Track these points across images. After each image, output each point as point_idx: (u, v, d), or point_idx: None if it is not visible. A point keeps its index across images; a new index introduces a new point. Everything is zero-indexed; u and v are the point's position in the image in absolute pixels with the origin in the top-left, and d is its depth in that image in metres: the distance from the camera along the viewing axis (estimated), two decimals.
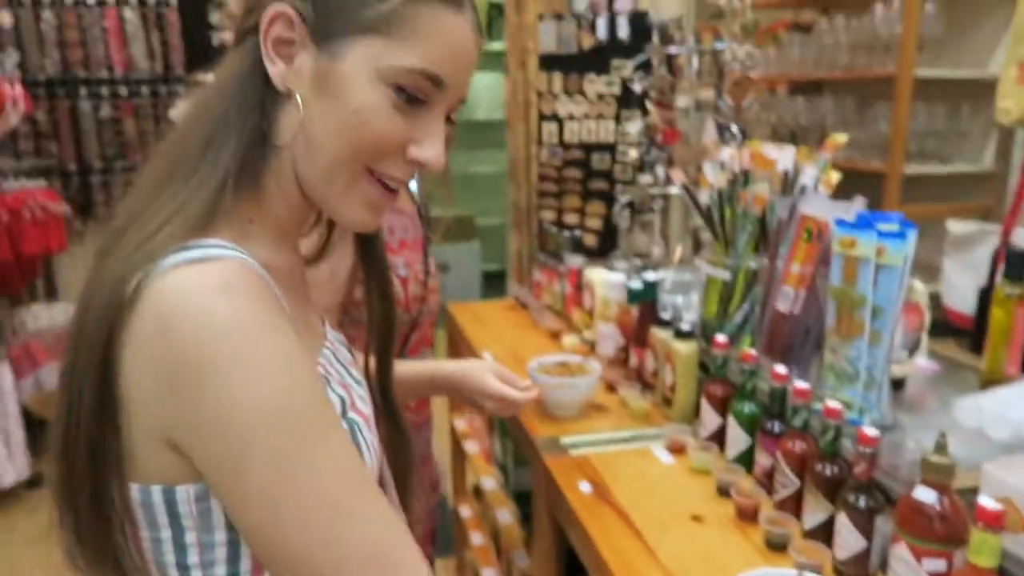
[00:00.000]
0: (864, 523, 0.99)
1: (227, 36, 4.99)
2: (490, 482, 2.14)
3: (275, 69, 0.66)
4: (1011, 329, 1.41)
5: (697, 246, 2.35)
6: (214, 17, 5.07)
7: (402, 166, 0.69)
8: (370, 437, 0.75)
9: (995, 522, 0.80)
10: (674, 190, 2.12)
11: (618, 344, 1.81)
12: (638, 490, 1.29)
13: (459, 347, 2.25)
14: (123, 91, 5.18)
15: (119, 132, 5.23)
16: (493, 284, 5.39)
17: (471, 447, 2.35)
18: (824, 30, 3.14)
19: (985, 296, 2.42)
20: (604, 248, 2.82)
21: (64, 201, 3.79)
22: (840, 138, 1.53)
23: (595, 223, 2.89)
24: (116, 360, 0.60)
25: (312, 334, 0.78)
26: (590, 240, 2.77)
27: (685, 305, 2.07)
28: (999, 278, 2.42)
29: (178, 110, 5.09)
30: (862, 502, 1.00)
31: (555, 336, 2.05)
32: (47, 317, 3.63)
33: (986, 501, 0.81)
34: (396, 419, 0.89)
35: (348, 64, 0.64)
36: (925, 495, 0.89)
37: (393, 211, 1.36)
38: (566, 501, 1.27)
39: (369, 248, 0.86)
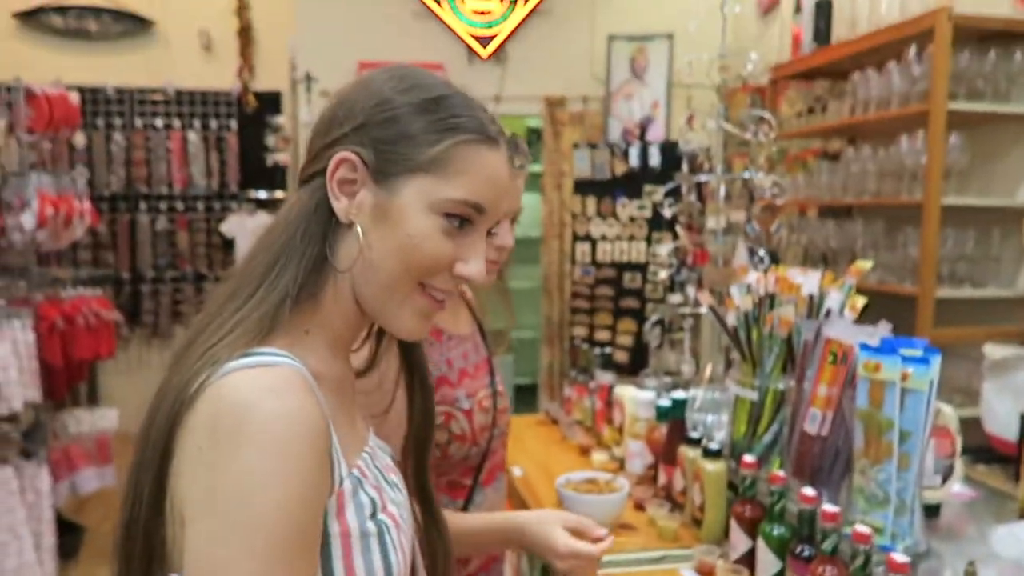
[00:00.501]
0: None
1: (280, 157, 5.30)
2: None
3: (340, 204, 0.77)
4: None
5: (728, 364, 2.37)
6: (270, 140, 5.39)
7: (449, 281, 0.79)
8: (398, 538, 0.78)
9: None
10: (703, 310, 2.17)
11: (647, 462, 1.81)
12: None
13: None
14: (179, 206, 5.47)
15: (172, 244, 5.49)
16: (525, 397, 5.40)
17: None
18: (851, 159, 3.24)
19: None
20: (635, 365, 2.84)
21: (115, 308, 3.95)
22: (865, 264, 1.57)
23: (626, 340, 2.93)
24: (172, 455, 0.67)
25: (355, 437, 0.83)
26: (621, 356, 2.80)
27: (716, 424, 2.07)
28: None
29: (229, 224, 5.36)
30: None
31: (584, 452, 2.06)
32: (88, 422, 3.71)
33: None
34: (435, 518, 0.95)
35: (403, 199, 0.75)
36: None
37: (452, 339, 1.37)
38: None
39: (411, 352, 0.94)
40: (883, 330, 1.35)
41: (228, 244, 5.47)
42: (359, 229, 0.76)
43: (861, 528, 1.07)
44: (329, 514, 0.72)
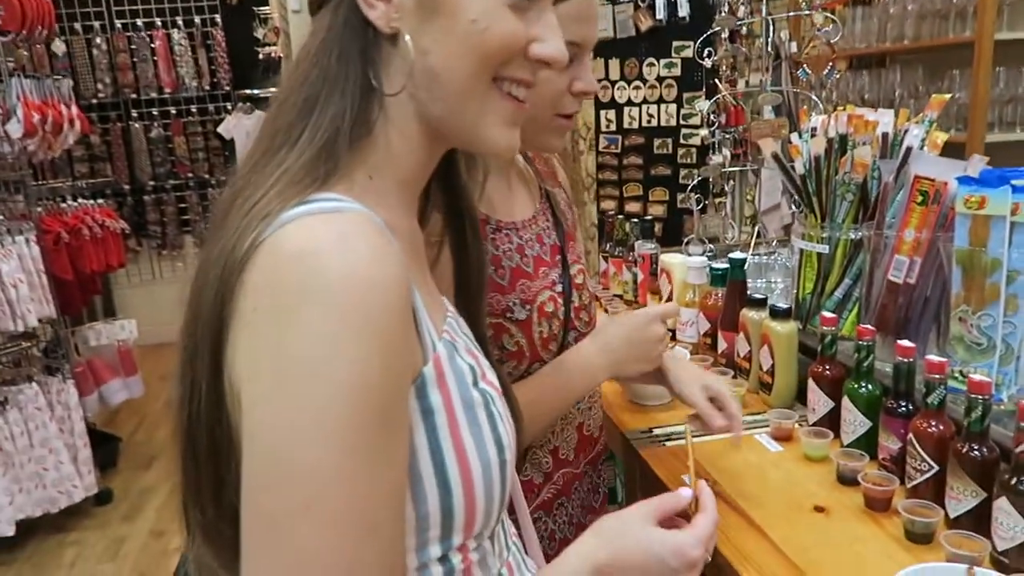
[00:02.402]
0: None
1: (272, 50, 5.02)
2: None
3: (376, 12, 0.61)
4: None
5: (763, 228, 2.24)
6: (259, 33, 5.09)
7: (527, 67, 0.65)
8: (503, 409, 0.68)
9: None
10: (751, 167, 2.02)
11: (703, 329, 1.71)
12: (749, 481, 1.19)
13: None
14: (172, 110, 5.24)
15: (170, 150, 5.29)
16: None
17: None
18: (888, 2, 3.00)
19: None
20: (668, 235, 2.71)
21: (119, 219, 3.83)
22: (944, 97, 1.42)
23: (658, 210, 2.79)
24: (229, 326, 0.55)
25: (435, 300, 0.71)
26: (655, 228, 2.67)
27: (766, 288, 1.96)
28: None
29: (226, 126, 5.14)
30: None
31: None
32: (107, 334, 3.65)
33: None
34: (504, 389, 0.77)
35: None
36: None
37: (501, 229, 1.09)
38: None
39: (455, 194, 0.79)
40: (979, 163, 1.21)
41: (228, 146, 5.27)
42: (407, 38, 0.60)
43: (979, 377, 0.96)
44: (428, 383, 0.60)
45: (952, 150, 2.54)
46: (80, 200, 3.55)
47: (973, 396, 0.96)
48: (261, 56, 5.08)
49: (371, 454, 0.53)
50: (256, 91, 5.15)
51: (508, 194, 1.13)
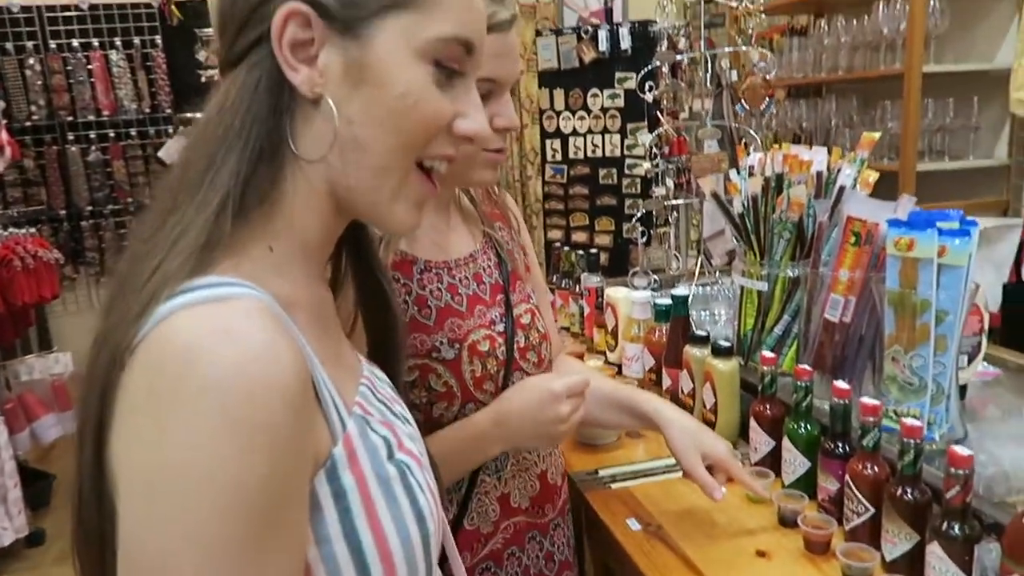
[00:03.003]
0: (961, 554, 0.90)
1: (215, 73, 4.93)
2: None
3: (299, 76, 0.58)
4: None
5: (707, 257, 2.27)
6: (201, 55, 5.00)
7: (449, 141, 0.64)
8: (424, 477, 0.65)
9: None
10: (683, 201, 2.05)
11: (647, 365, 1.72)
12: (691, 524, 1.19)
13: None
14: (111, 133, 5.11)
15: (108, 175, 5.15)
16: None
17: None
18: (822, 33, 3.09)
19: (1010, 291, 2.36)
20: (615, 265, 2.73)
21: (55, 247, 3.69)
22: (873, 135, 1.45)
23: (604, 240, 2.81)
24: (110, 420, 0.52)
25: (345, 369, 0.68)
26: (601, 257, 2.68)
27: (709, 320, 1.99)
28: None
29: (167, 150, 5.02)
30: (957, 531, 0.90)
31: (577, 358, 1.95)
32: (41, 368, 3.52)
33: None
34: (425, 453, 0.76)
35: (381, 47, 0.58)
36: None
37: (432, 270, 1.07)
38: (615, 542, 1.17)
39: (360, 254, 0.76)
40: (908, 204, 1.24)
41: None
42: (330, 103, 0.58)
43: (911, 421, 0.97)
44: (339, 465, 0.57)
45: (886, 178, 2.63)
46: (11, 229, 3.42)
47: (906, 440, 0.98)
48: (203, 79, 4.98)
49: (253, 559, 0.50)
50: (198, 114, 5.05)
51: (446, 232, 1.12)
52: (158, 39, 5.03)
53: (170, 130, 5.10)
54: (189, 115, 5.03)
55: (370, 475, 0.60)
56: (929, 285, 1.12)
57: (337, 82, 0.58)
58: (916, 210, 1.22)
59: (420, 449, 0.69)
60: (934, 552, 0.92)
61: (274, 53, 0.58)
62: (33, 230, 3.57)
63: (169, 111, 5.11)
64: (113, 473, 0.52)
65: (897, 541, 0.99)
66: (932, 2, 2.56)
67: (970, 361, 1.33)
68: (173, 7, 4.99)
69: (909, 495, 0.98)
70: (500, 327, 1.10)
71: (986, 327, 1.34)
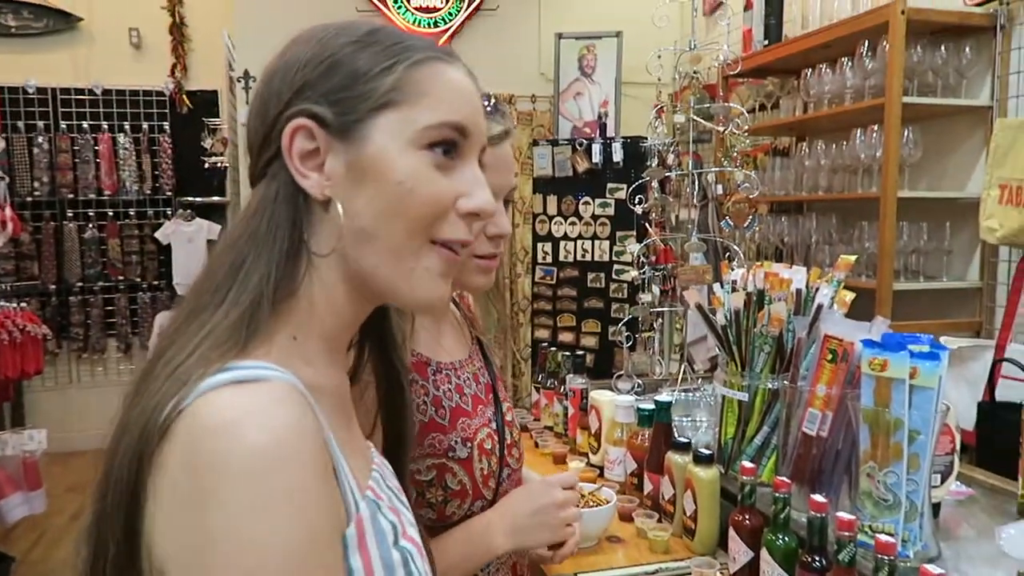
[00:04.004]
0: None
1: (218, 160, 5.08)
2: None
3: (310, 182, 0.65)
4: None
5: (690, 364, 2.32)
6: (207, 143, 5.16)
7: (460, 225, 0.68)
8: (423, 566, 0.68)
9: None
10: (669, 308, 2.11)
11: (629, 469, 1.74)
12: None
13: None
14: (109, 212, 5.19)
15: (102, 252, 5.20)
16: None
17: None
18: (804, 154, 3.24)
19: (986, 409, 2.40)
20: (600, 367, 2.77)
21: (42, 322, 3.70)
22: (850, 258, 1.54)
23: (590, 341, 2.86)
24: (144, 503, 0.55)
25: (360, 456, 0.72)
26: (586, 359, 2.73)
27: (691, 427, 2.02)
28: (999, 391, 2.41)
29: (164, 231, 5.11)
30: None
31: (559, 460, 1.97)
32: (14, 444, 3.45)
33: None
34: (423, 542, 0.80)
35: (376, 144, 0.64)
36: None
37: (441, 370, 1.13)
38: None
39: (385, 355, 0.82)
40: (881, 325, 1.31)
41: (164, 252, 5.22)
42: (338, 204, 0.64)
43: (885, 538, 1.01)
44: (350, 546, 0.61)
45: (864, 295, 2.72)
46: (2, 302, 3.44)
47: (879, 556, 1.01)
48: (207, 165, 5.13)
49: None
50: (198, 199, 5.17)
51: (437, 336, 1.18)
52: (166, 125, 5.20)
53: (169, 212, 5.20)
54: (190, 199, 5.15)
55: (376, 559, 0.63)
56: (902, 404, 1.17)
57: (342, 182, 0.65)
58: (889, 332, 1.29)
59: (419, 538, 0.72)
60: None
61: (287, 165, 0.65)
62: (24, 304, 3.58)
63: (170, 194, 5.23)
64: (156, 552, 0.55)
65: None
66: (906, 133, 2.72)
67: (943, 480, 1.36)
68: (183, 96, 5.18)
69: None
70: (494, 424, 1.16)
71: (958, 447, 1.38)
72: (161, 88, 5.18)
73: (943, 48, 2.69)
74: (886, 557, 1.00)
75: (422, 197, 0.65)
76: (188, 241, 5.05)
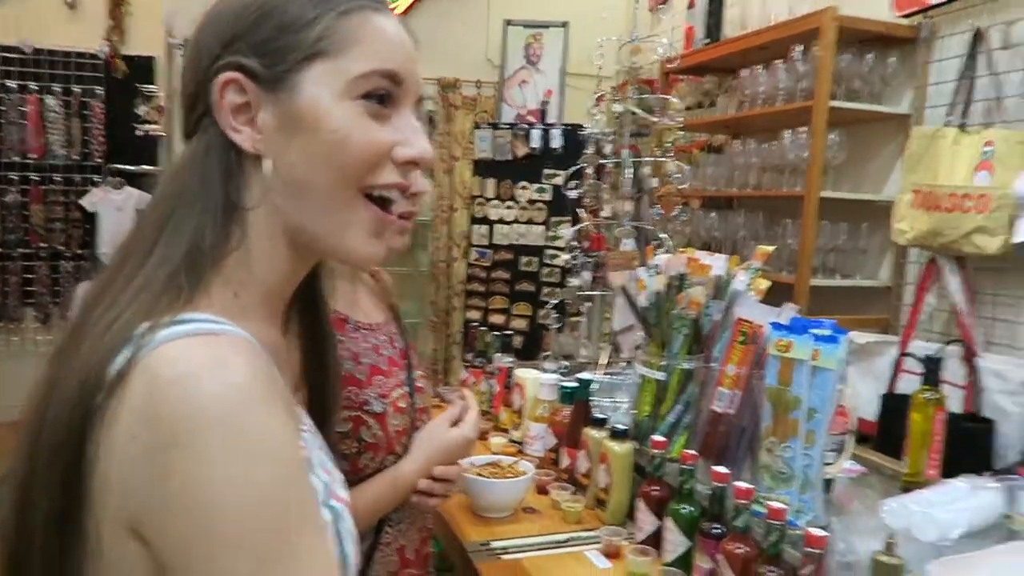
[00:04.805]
0: None
1: (152, 129, 4.93)
2: None
3: (241, 136, 0.65)
4: (930, 432, 1.47)
5: (616, 349, 2.39)
6: (141, 110, 5.01)
7: (396, 172, 0.68)
8: (351, 525, 0.70)
9: None
10: (599, 293, 2.17)
11: (548, 444, 1.79)
12: None
13: None
14: (34, 176, 5.00)
15: (25, 218, 5.01)
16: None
17: None
18: (737, 152, 3.35)
19: (888, 401, 2.54)
20: (529, 349, 2.82)
21: None
22: (768, 248, 1.61)
23: (520, 324, 2.91)
24: (90, 456, 0.55)
25: (293, 417, 0.73)
26: (515, 340, 2.77)
27: (611, 407, 2.08)
28: (900, 385, 2.55)
29: (91, 199, 4.94)
30: None
31: (482, 436, 2.01)
32: None
33: None
34: None
35: (307, 95, 0.64)
36: None
37: (360, 328, 1.21)
38: None
39: (313, 315, 0.83)
40: (790, 311, 1.38)
41: (90, 220, 5.05)
42: (269, 159, 0.65)
43: (776, 504, 1.07)
44: None
45: (784, 289, 2.83)
46: None
47: (771, 522, 1.07)
48: (140, 133, 4.98)
49: (291, 560, 0.54)
50: (129, 167, 5.01)
51: (354, 297, 1.25)
52: (99, 89, 5.03)
53: (97, 179, 5.04)
54: (120, 167, 4.99)
55: None
56: (802, 384, 1.24)
57: (275, 134, 0.65)
58: (797, 317, 1.36)
59: (348, 497, 0.74)
60: None
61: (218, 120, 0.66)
62: None
63: (100, 160, 5.06)
64: (113, 507, 0.55)
65: None
66: (831, 137, 2.84)
67: (837, 457, 1.45)
68: (119, 60, 5.01)
69: (771, 574, 1.06)
70: (406, 388, 1.22)
71: (852, 427, 1.46)
72: (95, 51, 5.00)
73: (870, 56, 2.81)
74: (776, 522, 1.07)
75: (358, 145, 0.65)
76: (116, 210, 4.90)
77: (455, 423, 1.26)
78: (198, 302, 0.61)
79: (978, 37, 2.45)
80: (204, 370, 0.54)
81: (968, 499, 1.33)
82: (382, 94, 0.66)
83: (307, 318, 0.83)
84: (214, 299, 0.63)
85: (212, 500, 0.52)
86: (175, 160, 0.68)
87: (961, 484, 1.38)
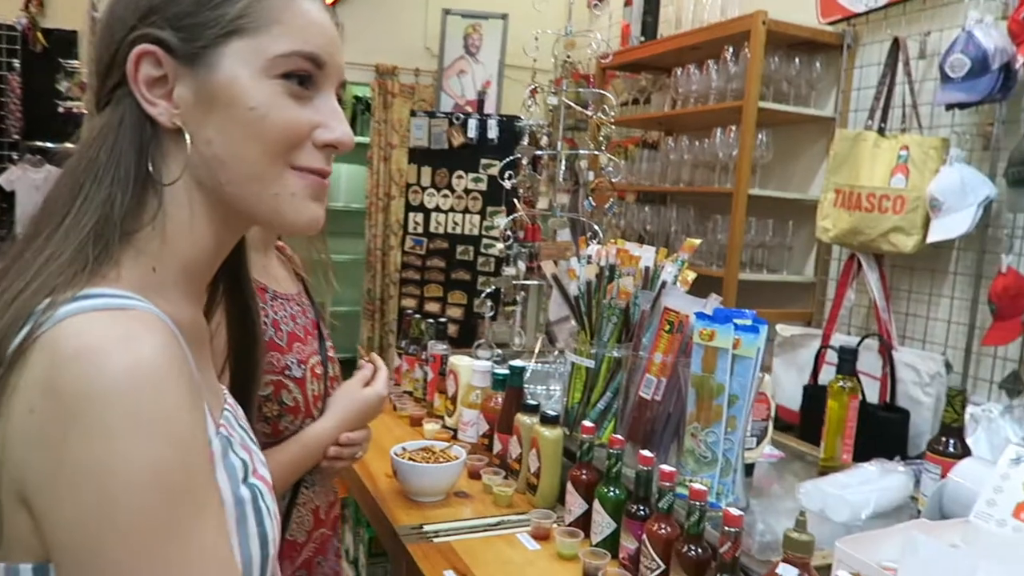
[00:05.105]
0: None
1: (74, 105, 4.74)
2: None
3: (157, 110, 0.64)
4: (844, 419, 1.55)
5: (550, 340, 2.42)
6: (62, 86, 4.81)
7: (318, 155, 0.68)
8: (271, 503, 0.70)
9: None
10: (535, 282, 2.20)
11: (481, 431, 1.81)
12: None
13: None
14: None
15: None
16: (343, 372, 5.24)
17: None
18: (670, 149, 3.43)
19: (809, 392, 2.65)
20: (464, 337, 2.83)
21: None
22: (695, 242, 1.66)
23: (455, 312, 2.92)
24: None
25: (215, 395, 0.73)
26: (450, 329, 2.78)
27: (544, 395, 2.12)
28: (822, 376, 2.66)
29: (8, 176, 4.72)
30: None
31: (416, 422, 2.02)
32: None
33: (843, 574, 0.86)
34: None
35: (225, 72, 0.64)
36: (788, 572, 0.94)
37: (278, 297, 1.25)
38: None
39: (239, 290, 0.82)
40: (714, 302, 1.43)
41: (7, 198, 4.83)
42: (186, 133, 0.64)
43: (698, 486, 1.12)
44: None
45: (713, 283, 2.91)
46: None
47: (692, 502, 1.12)
48: (62, 110, 4.78)
49: (171, 545, 0.54)
50: (49, 144, 4.81)
51: (268, 267, 1.29)
52: (16, 63, 4.80)
53: (15, 156, 4.82)
54: (39, 144, 4.78)
55: (227, 495, 0.64)
56: (724, 371, 1.29)
57: (192, 110, 0.64)
58: (720, 307, 1.41)
59: (269, 475, 0.74)
60: None
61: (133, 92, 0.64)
62: None
63: (17, 137, 4.84)
64: (7, 479, 0.54)
65: None
66: (759, 136, 2.93)
67: (759, 443, 1.51)
68: (38, 33, 4.80)
69: (693, 551, 1.11)
70: (320, 357, 1.28)
71: (772, 414, 1.53)
72: (12, 23, 4.78)
73: (797, 60, 2.91)
74: (698, 503, 1.11)
75: (277, 123, 0.65)
76: (35, 188, 4.70)
77: (367, 385, 1.32)
78: (107, 275, 0.60)
79: (896, 46, 2.57)
80: (110, 345, 0.54)
81: (878, 481, 1.40)
82: (303, 76, 0.66)
83: (233, 293, 0.82)
84: (125, 273, 0.62)
85: (104, 479, 0.52)
86: (84, 135, 0.66)
87: (872, 468, 1.46)
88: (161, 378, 0.55)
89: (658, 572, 1.17)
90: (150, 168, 0.65)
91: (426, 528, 1.43)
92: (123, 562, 0.52)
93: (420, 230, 2.95)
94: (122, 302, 0.58)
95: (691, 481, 1.28)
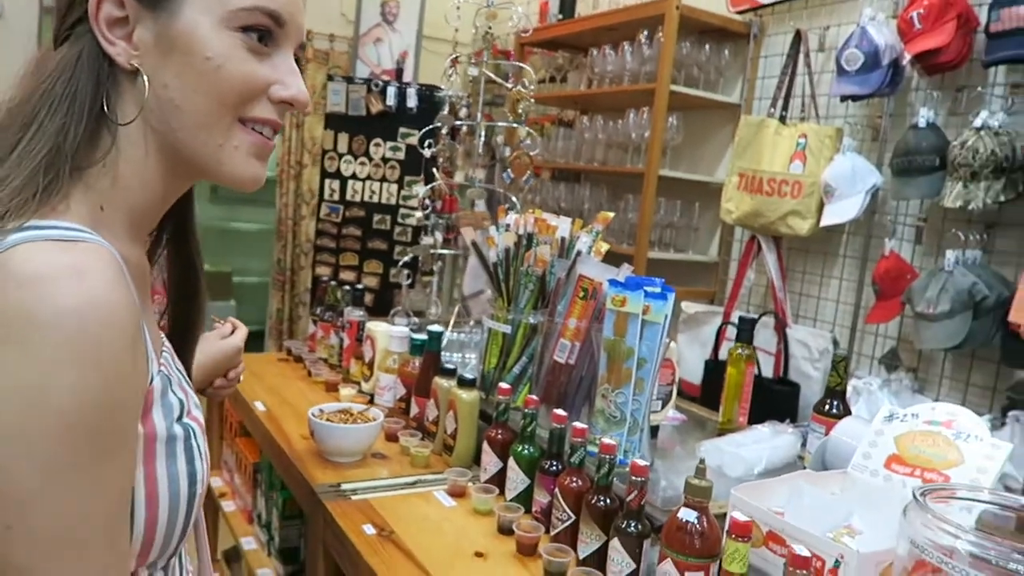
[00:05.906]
0: (634, 547, 1.10)
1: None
2: (251, 542, 2.02)
3: (116, 49, 0.65)
4: (741, 384, 1.66)
5: (466, 311, 2.47)
6: None
7: (271, 109, 0.70)
8: (203, 444, 0.72)
9: (744, 532, 0.93)
10: (450, 252, 2.23)
11: (398, 395, 1.84)
12: (422, 531, 1.31)
13: (229, 399, 2.14)
14: None
15: None
16: (252, 344, 5.13)
17: (228, 506, 2.21)
18: (585, 128, 3.50)
19: (711, 366, 2.80)
20: (380, 306, 2.84)
21: None
22: (608, 214, 1.73)
23: (372, 281, 2.92)
24: None
25: (156, 334, 0.74)
26: (366, 298, 2.79)
27: (460, 363, 2.16)
28: (722, 351, 2.80)
29: None
30: (632, 528, 1.11)
31: (331, 388, 2.03)
32: None
33: (737, 515, 0.95)
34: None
35: (186, 18, 0.65)
36: (688, 515, 1.02)
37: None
38: (350, 544, 1.26)
39: (184, 239, 0.83)
40: (626, 270, 1.50)
41: None
42: (144, 75, 0.65)
43: (607, 440, 1.19)
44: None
45: (624, 260, 3.00)
46: None
47: (602, 455, 1.19)
48: None
49: (80, 478, 0.55)
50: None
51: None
52: None
53: None
54: None
55: (161, 430, 0.66)
56: (634, 336, 1.37)
57: (151, 52, 0.65)
58: (631, 275, 1.48)
59: (202, 416, 0.76)
60: (615, 547, 1.12)
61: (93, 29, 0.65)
62: None
63: None
64: None
65: (589, 541, 1.18)
66: (670, 119, 3.04)
67: (664, 406, 1.60)
68: None
69: (601, 502, 1.18)
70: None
71: (677, 379, 1.62)
72: None
73: (707, 47, 3.03)
74: (607, 456, 1.18)
75: (232, 75, 0.66)
76: None
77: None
78: (57, 207, 0.61)
79: (799, 38, 2.71)
80: (60, 275, 0.54)
81: (770, 441, 1.52)
82: (262, 31, 0.68)
83: (179, 243, 0.83)
84: (75, 207, 0.63)
85: (31, 402, 0.53)
86: (45, 64, 0.66)
87: (764, 429, 1.57)
88: (108, 313, 0.56)
89: (569, 522, 1.24)
90: (105, 107, 0.65)
91: (344, 486, 1.45)
92: (27, 483, 0.53)
93: (336, 197, 2.93)
94: (73, 234, 0.59)
95: (601, 439, 1.35)
